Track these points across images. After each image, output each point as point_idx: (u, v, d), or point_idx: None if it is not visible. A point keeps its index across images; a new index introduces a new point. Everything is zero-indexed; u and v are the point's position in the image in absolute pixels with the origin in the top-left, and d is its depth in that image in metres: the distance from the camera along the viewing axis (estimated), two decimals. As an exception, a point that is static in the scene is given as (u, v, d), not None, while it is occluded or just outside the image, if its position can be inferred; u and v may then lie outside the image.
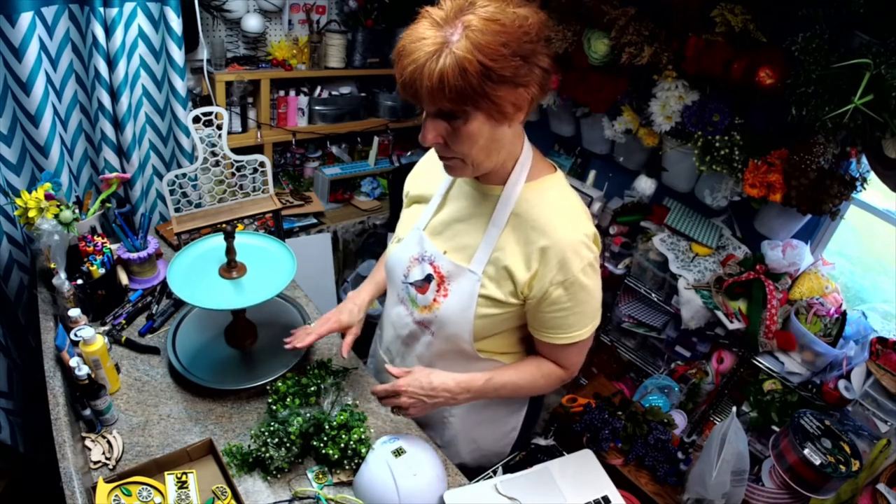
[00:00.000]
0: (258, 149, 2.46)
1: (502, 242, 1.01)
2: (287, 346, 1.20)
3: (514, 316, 1.06)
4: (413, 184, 1.21)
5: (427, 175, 1.17)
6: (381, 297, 1.33)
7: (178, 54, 1.82)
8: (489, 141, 0.90)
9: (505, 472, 1.22)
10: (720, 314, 1.88)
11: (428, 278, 1.09)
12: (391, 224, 2.76)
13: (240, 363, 1.37)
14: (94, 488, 0.98)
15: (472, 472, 1.23)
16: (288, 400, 1.19)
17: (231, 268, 1.26)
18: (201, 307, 1.21)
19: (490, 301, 1.03)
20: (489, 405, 1.22)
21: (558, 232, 0.96)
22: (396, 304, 1.19)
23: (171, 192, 1.50)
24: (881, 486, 1.33)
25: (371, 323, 1.33)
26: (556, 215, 0.98)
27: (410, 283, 1.12)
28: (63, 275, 1.33)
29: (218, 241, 1.33)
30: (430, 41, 0.80)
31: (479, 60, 0.79)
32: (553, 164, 1.06)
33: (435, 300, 1.08)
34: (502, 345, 1.13)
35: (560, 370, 1.12)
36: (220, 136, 1.51)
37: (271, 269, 1.30)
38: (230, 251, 1.24)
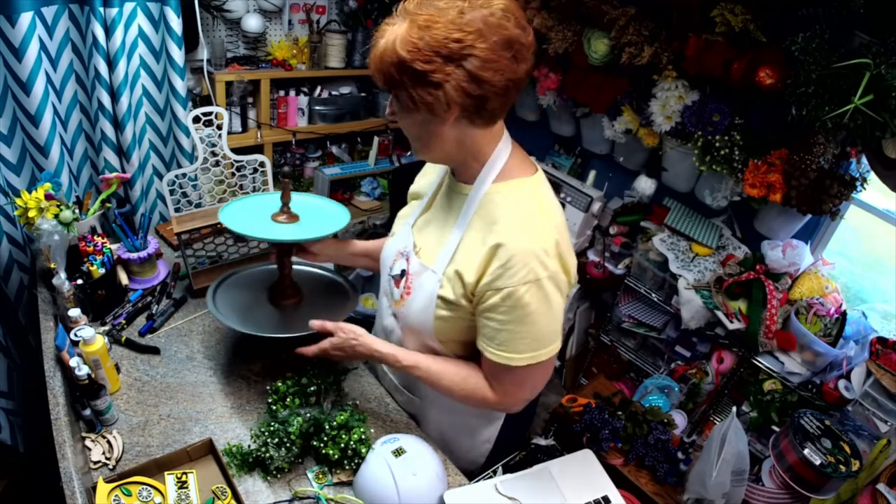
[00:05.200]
0: (258, 149, 2.46)
1: (464, 243, 0.99)
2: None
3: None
4: (417, 181, 1.23)
5: (428, 173, 1.19)
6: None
7: (178, 54, 1.82)
8: (422, 131, 0.94)
9: (505, 472, 1.22)
10: (720, 314, 1.88)
11: (402, 273, 1.10)
12: (391, 224, 2.76)
13: (280, 321, 1.29)
14: (94, 488, 0.98)
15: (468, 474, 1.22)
16: (288, 400, 1.19)
17: (284, 212, 1.22)
18: (259, 238, 1.19)
19: (446, 303, 1.00)
20: (463, 414, 1.19)
21: (511, 235, 0.91)
22: (382, 295, 1.21)
23: (171, 192, 1.50)
24: (881, 486, 1.33)
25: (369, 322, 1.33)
26: (515, 218, 0.94)
27: (391, 276, 1.13)
28: (63, 275, 1.33)
29: (266, 196, 1.32)
30: (386, 27, 0.89)
31: (396, 49, 0.85)
32: (535, 166, 1.02)
33: (402, 296, 1.09)
34: (474, 352, 1.06)
35: (488, 392, 1.04)
36: (220, 136, 1.51)
37: (323, 218, 1.26)
38: (285, 194, 1.21)
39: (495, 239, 0.92)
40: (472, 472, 1.22)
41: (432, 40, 0.83)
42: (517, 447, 1.27)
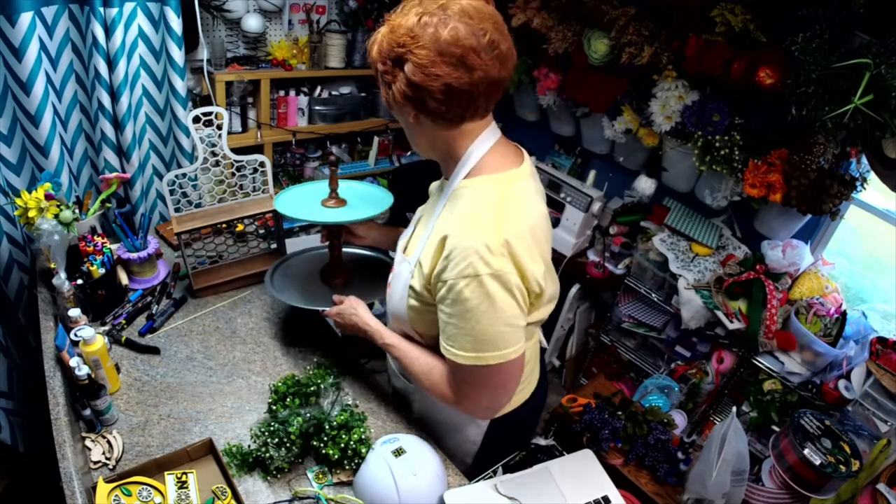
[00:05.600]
0: (258, 149, 2.46)
1: (431, 236, 1.00)
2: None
3: None
4: None
5: None
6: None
7: (178, 54, 1.82)
8: (404, 125, 1.02)
9: (505, 472, 1.22)
10: (720, 314, 1.88)
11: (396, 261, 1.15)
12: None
13: (329, 297, 1.36)
14: (94, 488, 0.99)
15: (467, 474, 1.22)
16: (288, 400, 1.19)
17: (332, 198, 1.34)
18: (308, 220, 1.31)
19: (415, 293, 1.03)
20: (448, 412, 1.20)
21: (456, 228, 0.93)
22: None
23: (171, 192, 1.50)
24: (881, 486, 1.33)
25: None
26: (467, 213, 0.95)
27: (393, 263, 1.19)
28: (63, 275, 1.33)
29: (317, 184, 1.44)
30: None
31: (372, 51, 0.94)
32: (518, 162, 1.02)
33: (388, 283, 1.15)
34: None
35: (447, 389, 1.05)
36: (220, 136, 1.51)
37: (368, 202, 1.38)
38: (333, 181, 1.33)
39: (444, 231, 0.94)
40: (463, 472, 1.21)
41: (387, 44, 0.90)
42: (509, 454, 1.27)
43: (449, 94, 0.89)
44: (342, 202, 1.35)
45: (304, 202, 1.37)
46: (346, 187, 1.42)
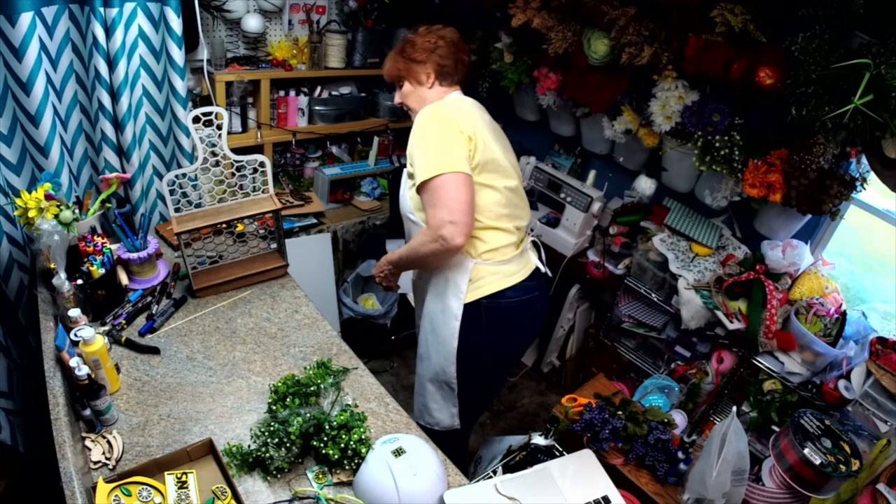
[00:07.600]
0: (258, 149, 2.45)
1: None
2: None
3: None
4: None
5: None
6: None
7: (178, 54, 1.82)
8: (414, 91, 1.58)
9: (505, 472, 1.22)
10: (720, 314, 1.88)
11: None
12: (391, 224, 2.76)
13: None
14: (94, 488, 0.99)
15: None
16: (288, 400, 1.20)
17: None
18: None
19: (409, 179, 1.44)
20: (441, 288, 1.50)
21: (418, 115, 1.43)
22: None
23: (171, 192, 1.50)
24: (881, 486, 1.33)
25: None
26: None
27: None
28: (63, 275, 1.33)
29: None
30: None
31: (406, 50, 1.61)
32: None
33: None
34: None
35: (421, 233, 1.37)
36: (220, 136, 1.51)
37: None
38: None
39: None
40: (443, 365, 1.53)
41: (420, 43, 1.56)
42: (477, 349, 1.52)
43: (455, 64, 1.53)
44: None
45: None
46: None
